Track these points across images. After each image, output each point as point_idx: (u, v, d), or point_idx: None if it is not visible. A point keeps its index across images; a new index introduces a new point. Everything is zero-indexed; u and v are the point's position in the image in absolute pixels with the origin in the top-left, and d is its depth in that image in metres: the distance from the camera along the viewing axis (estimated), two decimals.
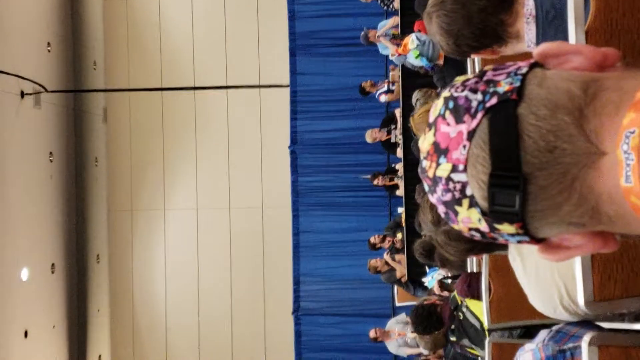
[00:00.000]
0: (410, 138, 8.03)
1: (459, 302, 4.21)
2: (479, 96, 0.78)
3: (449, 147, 0.78)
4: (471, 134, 0.77)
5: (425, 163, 0.82)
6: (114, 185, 11.78)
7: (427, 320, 4.62)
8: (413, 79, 8.31)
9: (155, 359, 11.64)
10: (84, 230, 11.53)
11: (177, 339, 11.58)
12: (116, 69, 11.70)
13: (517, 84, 0.78)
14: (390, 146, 9.41)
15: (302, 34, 11.01)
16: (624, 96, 0.75)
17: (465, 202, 0.79)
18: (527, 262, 2.24)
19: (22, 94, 10.09)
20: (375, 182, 9.67)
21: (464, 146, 0.77)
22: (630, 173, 0.71)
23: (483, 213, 0.78)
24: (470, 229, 0.82)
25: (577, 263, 1.94)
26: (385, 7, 9.22)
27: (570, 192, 0.76)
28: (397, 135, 9.01)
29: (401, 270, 8.42)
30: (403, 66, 8.43)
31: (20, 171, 9.80)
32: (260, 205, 11.48)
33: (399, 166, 9.02)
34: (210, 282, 11.49)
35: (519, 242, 0.82)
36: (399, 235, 8.69)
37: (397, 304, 9.35)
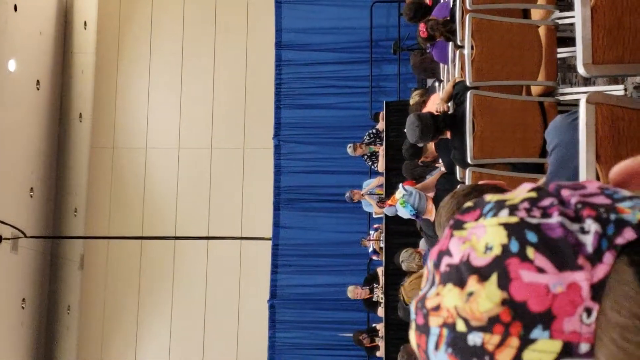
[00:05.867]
0: (393, 298, 7.94)
1: None
2: (594, 226, 0.49)
3: (551, 310, 0.46)
4: (597, 289, 0.46)
5: (474, 338, 0.48)
6: (85, 335, 11.40)
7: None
8: (397, 238, 8.34)
9: None
10: None
11: None
12: (97, 216, 11.65)
13: None
14: (371, 305, 9.29)
15: (286, 188, 11.13)
16: None
17: None
18: None
19: (0, 239, 9.93)
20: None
21: (587, 310, 0.46)
22: None
23: None
24: None
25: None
26: (371, 164, 9.38)
27: None
28: (379, 295, 8.92)
29: None
30: (387, 225, 8.47)
31: None
32: None
33: (380, 326, 8.85)
34: None
35: None
36: None
37: None
